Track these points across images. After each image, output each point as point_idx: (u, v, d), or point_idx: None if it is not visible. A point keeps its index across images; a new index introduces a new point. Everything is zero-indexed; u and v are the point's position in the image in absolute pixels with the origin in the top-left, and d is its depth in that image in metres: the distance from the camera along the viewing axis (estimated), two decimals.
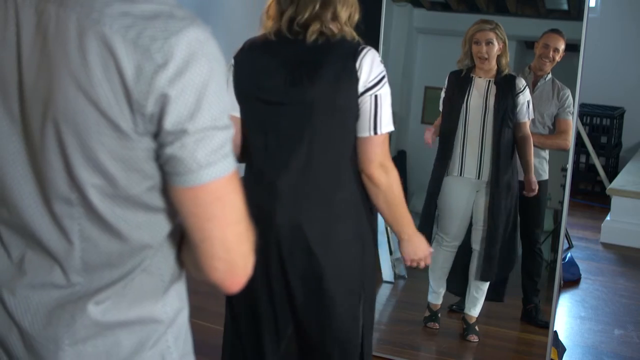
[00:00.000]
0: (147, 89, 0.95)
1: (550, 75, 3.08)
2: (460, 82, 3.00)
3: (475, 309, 3.18)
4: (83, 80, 0.96)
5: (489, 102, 2.96)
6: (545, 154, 3.14)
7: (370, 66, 1.82)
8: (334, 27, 1.84)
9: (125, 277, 1.07)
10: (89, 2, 0.98)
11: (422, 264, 2.06)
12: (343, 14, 1.84)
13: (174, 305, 1.13)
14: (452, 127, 3.03)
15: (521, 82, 2.95)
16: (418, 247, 2.03)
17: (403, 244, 2.03)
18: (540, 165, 3.13)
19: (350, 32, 1.86)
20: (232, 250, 1.03)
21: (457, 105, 3.00)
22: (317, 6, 1.82)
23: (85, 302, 1.06)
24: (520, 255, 3.24)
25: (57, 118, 0.98)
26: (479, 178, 3.03)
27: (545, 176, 3.15)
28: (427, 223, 3.15)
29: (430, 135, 3.09)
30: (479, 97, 2.98)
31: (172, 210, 1.08)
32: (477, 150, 3.00)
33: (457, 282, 3.24)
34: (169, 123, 0.96)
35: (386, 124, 1.85)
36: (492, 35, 2.91)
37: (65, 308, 1.06)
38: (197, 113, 0.96)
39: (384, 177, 1.85)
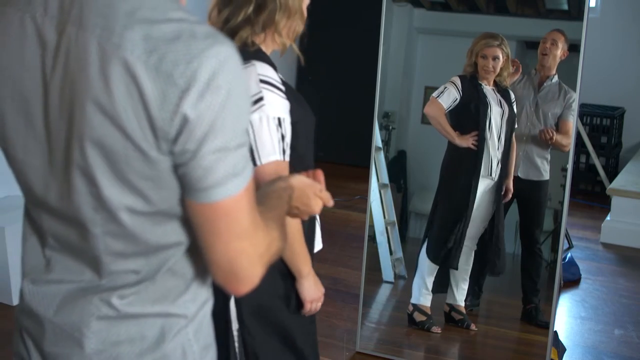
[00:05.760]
0: (171, 115, 0.95)
1: (556, 78, 3.10)
2: (472, 88, 3.09)
3: (463, 298, 3.26)
4: (107, 106, 0.96)
5: (504, 107, 3.09)
6: (548, 154, 3.15)
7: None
8: (267, 36, 1.67)
9: (150, 279, 1.10)
10: (108, 25, 0.97)
11: (315, 307, 1.82)
12: (283, 22, 1.65)
13: (196, 300, 1.15)
14: (479, 130, 3.09)
15: (512, 95, 3.12)
16: (316, 286, 1.80)
17: (301, 283, 1.78)
18: (542, 166, 3.16)
19: (282, 44, 1.66)
20: (233, 262, 1.04)
21: (482, 110, 3.07)
22: (250, 9, 1.62)
23: (109, 295, 1.09)
24: (519, 255, 3.26)
25: (83, 141, 0.99)
26: (491, 175, 3.14)
27: (547, 176, 3.17)
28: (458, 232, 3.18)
29: (469, 139, 3.11)
30: (495, 102, 3.09)
31: None
32: (496, 152, 3.11)
33: (439, 283, 3.29)
34: (184, 144, 0.97)
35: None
36: (499, 52, 3.05)
37: (89, 299, 1.09)
38: (211, 135, 0.97)
39: None
